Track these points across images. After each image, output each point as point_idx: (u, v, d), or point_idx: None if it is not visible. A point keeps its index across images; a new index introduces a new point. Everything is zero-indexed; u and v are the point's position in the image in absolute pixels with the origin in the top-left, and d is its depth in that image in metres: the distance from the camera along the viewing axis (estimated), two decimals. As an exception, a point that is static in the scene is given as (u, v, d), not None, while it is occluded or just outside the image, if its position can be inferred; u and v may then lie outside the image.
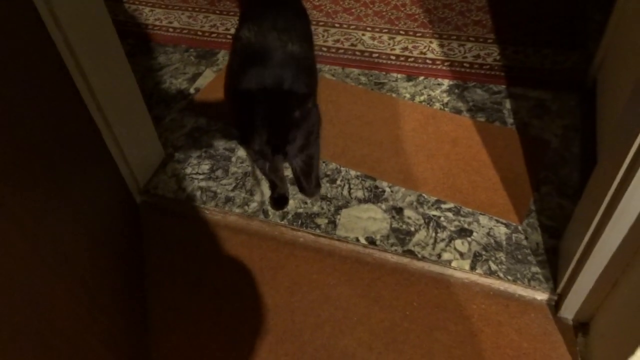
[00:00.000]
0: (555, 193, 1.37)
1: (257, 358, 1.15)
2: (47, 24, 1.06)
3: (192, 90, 1.80)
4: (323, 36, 2.01)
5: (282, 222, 1.37)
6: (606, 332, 1.03)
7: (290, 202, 1.41)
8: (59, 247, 0.89)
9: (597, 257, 0.99)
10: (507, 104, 1.64)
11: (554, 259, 1.22)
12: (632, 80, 0.95)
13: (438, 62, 1.83)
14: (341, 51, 1.93)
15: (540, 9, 2.04)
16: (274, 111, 1.06)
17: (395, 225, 1.33)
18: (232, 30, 2.09)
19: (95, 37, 1.19)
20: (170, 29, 2.13)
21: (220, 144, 1.59)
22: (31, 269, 0.77)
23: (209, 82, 1.83)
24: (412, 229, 1.32)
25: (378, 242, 1.30)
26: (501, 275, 1.21)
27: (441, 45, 1.90)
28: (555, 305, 1.17)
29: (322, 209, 1.39)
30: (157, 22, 2.18)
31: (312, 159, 1.31)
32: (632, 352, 0.86)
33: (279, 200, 1.40)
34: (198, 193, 1.46)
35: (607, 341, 1.01)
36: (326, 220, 1.36)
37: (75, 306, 0.90)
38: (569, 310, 1.13)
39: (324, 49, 1.94)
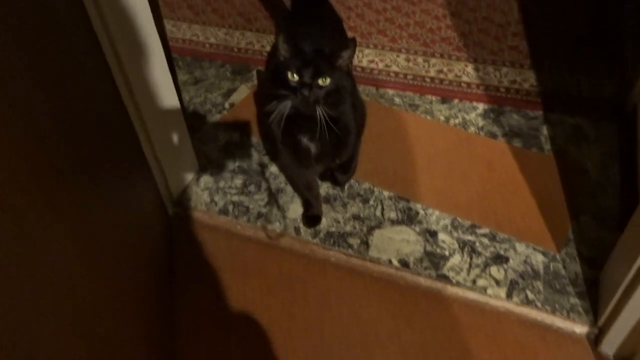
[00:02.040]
0: (594, 222, 1.33)
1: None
2: (101, 39, 1.08)
3: (226, 105, 1.82)
4: (358, 57, 2.01)
5: (314, 241, 1.36)
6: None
7: (323, 220, 1.40)
8: (100, 252, 0.90)
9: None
10: (544, 130, 1.62)
11: (594, 291, 1.19)
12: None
13: (473, 86, 1.82)
14: (375, 72, 1.93)
15: (577, 35, 2.02)
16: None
17: (429, 248, 1.31)
18: (268, 48, 2.11)
19: (141, 51, 1.21)
20: (207, 45, 2.17)
21: (254, 159, 1.59)
22: (76, 271, 0.77)
23: (243, 98, 1.85)
24: (447, 253, 1.30)
25: (411, 265, 1.28)
26: (539, 305, 1.18)
27: (476, 69, 1.89)
28: (595, 339, 1.13)
29: (355, 228, 1.37)
30: (194, 38, 2.21)
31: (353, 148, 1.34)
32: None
33: (312, 219, 1.39)
34: (230, 207, 1.45)
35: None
36: (359, 241, 1.34)
37: (110, 310, 0.90)
38: (611, 345, 1.09)
39: (359, 69, 1.95)
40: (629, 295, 0.99)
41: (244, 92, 1.87)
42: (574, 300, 1.18)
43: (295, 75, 1.09)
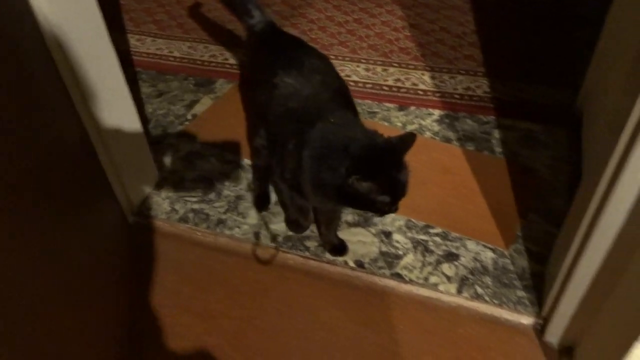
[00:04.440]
0: (542, 220, 1.39)
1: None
2: (53, 51, 1.11)
3: (189, 116, 1.85)
4: (318, 67, 2.06)
5: (273, 245, 1.38)
6: (589, 356, 1.04)
7: (282, 224, 1.43)
8: (55, 263, 0.91)
9: (578, 281, 1.00)
10: (496, 134, 1.68)
11: (540, 284, 1.24)
12: (610, 113, 0.99)
13: (429, 93, 1.88)
14: (344, 81, 1.98)
15: (529, 45, 2.12)
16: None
17: (384, 248, 1.35)
18: (231, 60, 2.15)
19: (97, 62, 1.24)
20: (171, 58, 2.20)
21: (215, 168, 1.62)
22: (30, 280, 0.79)
23: (205, 109, 1.88)
24: (401, 252, 1.34)
25: (366, 265, 1.32)
26: (487, 298, 1.23)
27: (433, 77, 1.96)
28: (541, 330, 1.17)
29: (313, 232, 1.41)
30: (158, 52, 2.24)
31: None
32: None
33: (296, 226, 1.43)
34: (191, 215, 1.48)
35: (591, 365, 1.02)
36: (316, 243, 1.38)
37: (65, 319, 0.92)
38: (554, 334, 1.14)
39: (319, 79, 2.00)
40: (566, 286, 1.04)
41: (206, 103, 1.91)
42: (521, 293, 1.23)
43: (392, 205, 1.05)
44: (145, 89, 2.00)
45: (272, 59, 1.32)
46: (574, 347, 1.12)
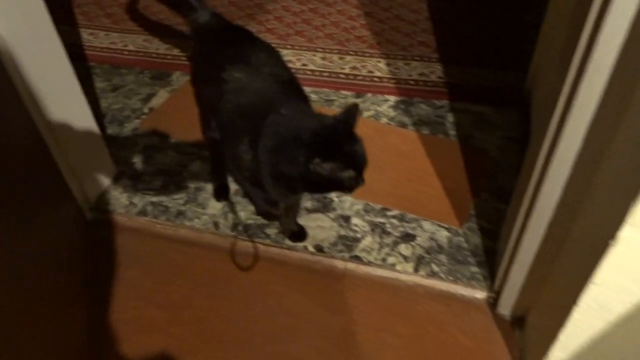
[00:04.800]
0: (494, 199, 1.44)
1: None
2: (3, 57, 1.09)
3: (145, 110, 1.83)
4: (275, 57, 2.07)
5: (233, 234, 1.40)
6: (537, 324, 1.09)
7: (242, 214, 1.44)
8: (10, 266, 0.90)
9: (524, 253, 1.05)
10: (450, 118, 1.73)
11: (492, 259, 1.29)
12: (548, 92, 1.03)
13: (385, 80, 1.91)
14: (292, 71, 1.99)
15: (481, 30, 2.17)
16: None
17: (342, 232, 1.38)
18: (187, 53, 2.13)
19: (45, 60, 1.22)
20: (125, 52, 2.17)
21: (173, 161, 1.62)
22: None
23: (162, 102, 1.87)
24: (359, 235, 1.37)
25: (326, 250, 1.34)
26: (442, 276, 1.27)
27: (388, 65, 1.99)
28: (494, 303, 1.22)
29: (273, 220, 1.43)
30: (112, 45, 2.21)
31: None
32: (553, 340, 0.92)
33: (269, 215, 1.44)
34: (149, 208, 1.47)
35: (538, 333, 1.07)
36: (276, 230, 1.40)
37: (21, 315, 0.91)
38: (506, 306, 1.19)
39: (276, 69, 2.01)
40: (513, 259, 1.08)
41: (163, 96, 1.89)
42: (474, 269, 1.28)
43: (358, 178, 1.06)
44: (99, 84, 1.97)
45: (219, 53, 1.30)
46: (525, 318, 1.18)
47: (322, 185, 1.06)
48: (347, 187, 1.06)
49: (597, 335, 0.86)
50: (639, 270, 0.72)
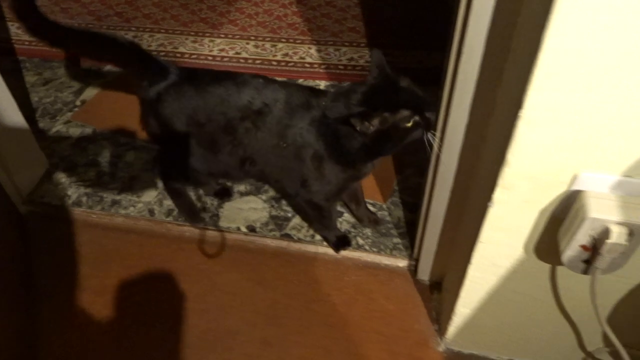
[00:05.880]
0: (416, 174, 1.54)
1: (146, 348, 1.22)
2: None
3: (78, 103, 1.83)
4: (209, 46, 2.10)
5: (168, 219, 1.44)
6: (448, 286, 1.19)
7: (176, 200, 1.49)
8: None
9: (433, 221, 1.15)
10: (377, 100, 1.81)
11: (412, 230, 1.39)
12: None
13: (316, 66, 1.98)
14: (226, 59, 2.03)
15: (408, 13, 2.26)
16: None
17: (274, 213, 1.45)
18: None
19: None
20: (56, 45, 2.14)
21: (107, 152, 1.64)
22: None
23: (95, 94, 1.87)
24: (290, 215, 1.44)
25: (258, 229, 1.41)
26: (367, 248, 1.36)
27: (319, 50, 2.06)
28: (414, 270, 1.33)
29: (207, 203, 1.48)
30: (41, 39, 2.18)
31: None
32: (457, 297, 1.02)
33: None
34: (84, 199, 1.50)
35: (449, 292, 1.17)
36: (210, 214, 1.45)
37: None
38: (424, 272, 1.29)
39: (210, 57, 2.04)
40: (425, 227, 1.18)
41: (96, 88, 1.90)
42: (397, 240, 1.37)
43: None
44: (29, 78, 1.95)
45: (222, 102, 1.15)
46: (441, 282, 1.28)
47: (392, 139, 1.04)
48: (417, 129, 1.03)
49: (492, 289, 0.97)
50: (513, 226, 0.82)
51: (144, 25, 2.27)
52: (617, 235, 0.68)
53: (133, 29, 2.25)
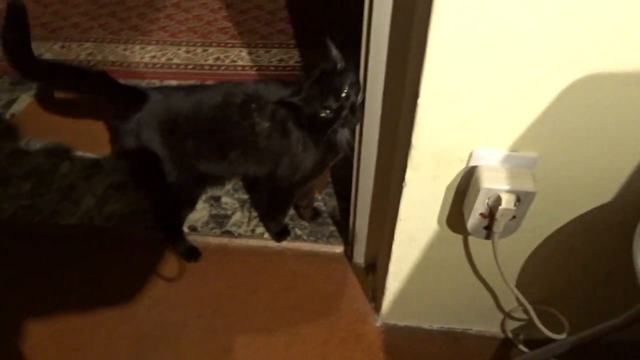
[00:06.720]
0: (346, 166, 1.63)
1: (96, 345, 1.24)
2: None
3: (8, 116, 1.81)
4: (140, 54, 2.12)
5: (110, 225, 1.47)
6: (380, 265, 1.29)
7: (117, 205, 1.51)
8: None
9: (362, 208, 1.24)
10: (308, 98, 1.90)
11: (347, 218, 1.48)
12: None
13: (247, 68, 2.04)
14: (158, 66, 2.06)
15: (332, 16, 2.36)
16: None
17: (214, 212, 1.51)
18: (48, 55, 2.11)
19: None
20: (-21, 59, 2.09)
21: (42, 163, 1.64)
22: None
23: (25, 107, 1.85)
24: (229, 212, 1.50)
25: (199, 229, 1.46)
26: (305, 237, 1.44)
27: (250, 53, 2.12)
28: (350, 254, 1.42)
29: (148, 206, 1.51)
30: (-37, 53, 2.12)
31: None
32: (387, 272, 1.11)
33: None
34: (21, 211, 1.49)
35: (381, 270, 1.27)
36: (151, 216, 1.49)
37: None
38: (359, 255, 1.39)
39: (142, 65, 2.06)
40: (356, 213, 1.27)
41: (25, 100, 1.88)
42: (332, 228, 1.46)
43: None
44: (-47, 93, 1.91)
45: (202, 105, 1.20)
46: (375, 263, 1.38)
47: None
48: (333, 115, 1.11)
49: (415, 261, 1.07)
50: (426, 202, 0.92)
51: (71, 35, 2.25)
52: (507, 201, 0.79)
53: (60, 40, 2.23)
